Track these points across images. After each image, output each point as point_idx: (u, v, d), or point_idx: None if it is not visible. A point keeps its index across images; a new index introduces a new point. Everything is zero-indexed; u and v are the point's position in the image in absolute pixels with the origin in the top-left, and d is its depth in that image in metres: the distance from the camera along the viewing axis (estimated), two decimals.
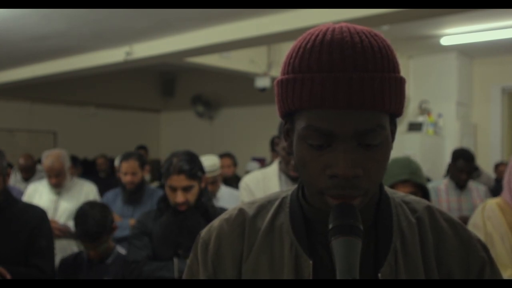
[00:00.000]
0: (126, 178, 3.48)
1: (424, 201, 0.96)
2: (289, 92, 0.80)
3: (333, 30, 0.80)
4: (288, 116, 0.85)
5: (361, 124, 0.77)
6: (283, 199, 0.94)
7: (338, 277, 0.73)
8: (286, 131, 0.87)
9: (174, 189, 2.31)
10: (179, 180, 2.29)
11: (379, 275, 0.84)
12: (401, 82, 0.81)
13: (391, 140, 0.85)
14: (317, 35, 0.80)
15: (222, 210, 2.32)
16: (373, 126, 0.78)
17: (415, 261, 0.87)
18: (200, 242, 0.95)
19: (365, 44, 0.77)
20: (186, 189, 2.31)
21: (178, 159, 2.32)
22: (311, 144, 0.79)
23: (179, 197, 2.29)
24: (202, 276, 0.92)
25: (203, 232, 0.96)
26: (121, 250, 2.64)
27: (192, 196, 2.32)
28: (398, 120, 0.88)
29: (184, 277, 0.97)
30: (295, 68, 0.80)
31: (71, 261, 2.63)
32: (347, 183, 0.78)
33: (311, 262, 0.85)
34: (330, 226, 0.78)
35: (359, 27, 0.81)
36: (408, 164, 2.10)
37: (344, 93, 0.75)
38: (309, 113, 0.79)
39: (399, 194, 0.96)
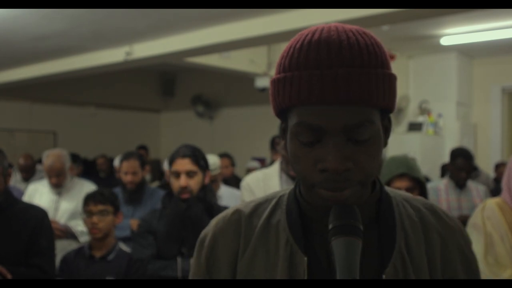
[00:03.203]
0: (126, 178, 3.48)
1: (426, 200, 0.97)
2: (280, 90, 0.82)
3: (322, 29, 0.82)
4: (282, 115, 0.87)
5: (349, 119, 0.78)
6: (281, 197, 0.95)
7: (338, 277, 0.74)
8: (283, 131, 0.89)
9: (177, 174, 2.34)
10: (183, 164, 2.33)
11: (383, 276, 0.84)
12: (389, 77, 0.81)
13: (384, 136, 0.85)
14: (307, 35, 0.82)
15: (225, 209, 2.34)
16: (361, 121, 0.79)
17: (420, 261, 0.87)
18: (199, 240, 0.97)
19: (352, 41, 0.79)
20: (189, 174, 2.34)
21: (184, 147, 2.41)
22: (302, 140, 0.81)
23: (182, 181, 2.32)
24: (196, 272, 0.94)
25: (203, 231, 0.98)
26: (123, 247, 2.65)
27: (194, 184, 2.35)
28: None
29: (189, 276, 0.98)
30: (285, 67, 0.82)
31: (73, 256, 2.64)
32: (338, 176, 0.79)
33: (305, 258, 0.85)
34: (330, 226, 0.78)
35: (348, 26, 0.83)
36: (405, 161, 2.14)
37: (331, 88, 0.77)
38: (299, 110, 0.80)
39: (400, 193, 0.96)
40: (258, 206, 0.95)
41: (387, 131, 0.86)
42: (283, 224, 0.90)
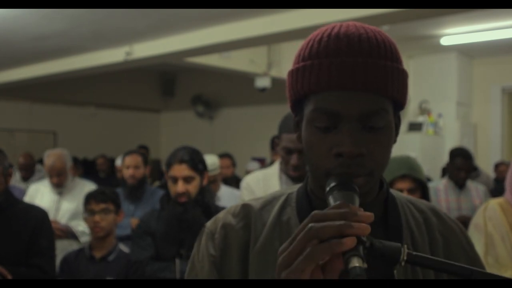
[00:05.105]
0: (128, 172, 3.48)
1: (429, 203, 1.00)
2: (299, 78, 0.85)
3: (341, 25, 0.86)
4: (297, 106, 0.88)
5: (366, 106, 0.81)
6: (289, 195, 0.96)
7: None
8: (296, 123, 0.91)
9: (175, 180, 2.33)
10: (181, 170, 2.31)
11: (395, 272, 0.84)
12: (403, 73, 0.85)
13: (395, 130, 0.87)
14: (326, 30, 0.86)
15: (223, 209, 2.33)
16: (377, 109, 0.81)
17: None
18: (206, 232, 0.95)
19: (370, 36, 0.83)
20: (187, 180, 2.32)
21: (181, 151, 2.37)
22: (318, 126, 0.83)
23: (180, 187, 2.31)
24: (206, 259, 0.92)
25: (208, 223, 0.97)
26: (123, 247, 2.65)
27: (192, 188, 2.34)
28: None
29: (187, 270, 0.97)
30: (305, 57, 0.85)
31: (73, 257, 2.64)
32: (352, 161, 0.80)
33: None
34: (327, 189, 0.79)
35: (365, 25, 0.87)
36: (407, 161, 2.12)
37: (350, 75, 0.80)
38: (316, 97, 0.83)
39: (403, 195, 0.98)
40: (267, 203, 0.96)
41: (396, 128, 0.89)
42: (294, 220, 0.91)
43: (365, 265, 0.66)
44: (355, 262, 0.65)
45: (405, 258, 0.71)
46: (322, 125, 0.82)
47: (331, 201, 0.77)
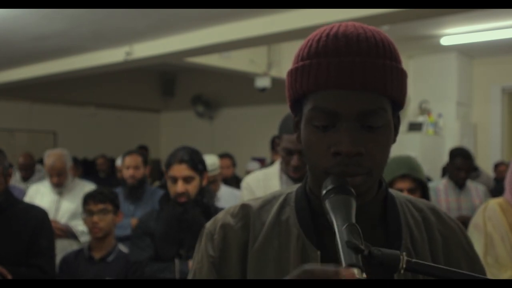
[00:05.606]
0: (128, 172, 3.49)
1: (428, 202, 0.99)
2: (298, 78, 0.85)
3: (340, 25, 0.86)
4: (297, 105, 0.89)
5: (364, 105, 0.81)
6: (288, 194, 0.96)
7: (335, 228, 0.72)
8: (296, 124, 0.91)
9: (174, 180, 2.33)
10: (180, 170, 2.31)
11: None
12: (402, 72, 0.85)
13: (394, 130, 0.87)
14: (325, 30, 0.87)
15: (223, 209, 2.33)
16: (375, 108, 0.81)
17: (424, 257, 0.89)
18: (206, 233, 0.96)
19: (369, 35, 0.83)
20: (186, 180, 2.32)
21: (181, 151, 2.37)
22: (317, 125, 0.83)
23: (179, 187, 2.30)
24: (206, 260, 0.92)
25: (208, 224, 0.97)
26: (123, 248, 2.65)
27: (192, 188, 2.33)
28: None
29: (189, 272, 0.98)
30: (304, 56, 0.86)
31: (73, 257, 2.64)
32: (350, 160, 0.81)
33: (319, 252, 0.86)
34: (323, 192, 0.79)
35: (364, 25, 0.87)
36: (408, 161, 2.12)
37: (348, 75, 0.80)
38: (315, 96, 0.83)
39: (402, 195, 0.98)
40: (266, 203, 0.96)
41: (395, 128, 0.89)
42: (293, 220, 0.91)
43: (364, 276, 0.65)
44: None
45: (404, 266, 0.71)
46: (320, 124, 0.83)
47: (328, 205, 0.77)
